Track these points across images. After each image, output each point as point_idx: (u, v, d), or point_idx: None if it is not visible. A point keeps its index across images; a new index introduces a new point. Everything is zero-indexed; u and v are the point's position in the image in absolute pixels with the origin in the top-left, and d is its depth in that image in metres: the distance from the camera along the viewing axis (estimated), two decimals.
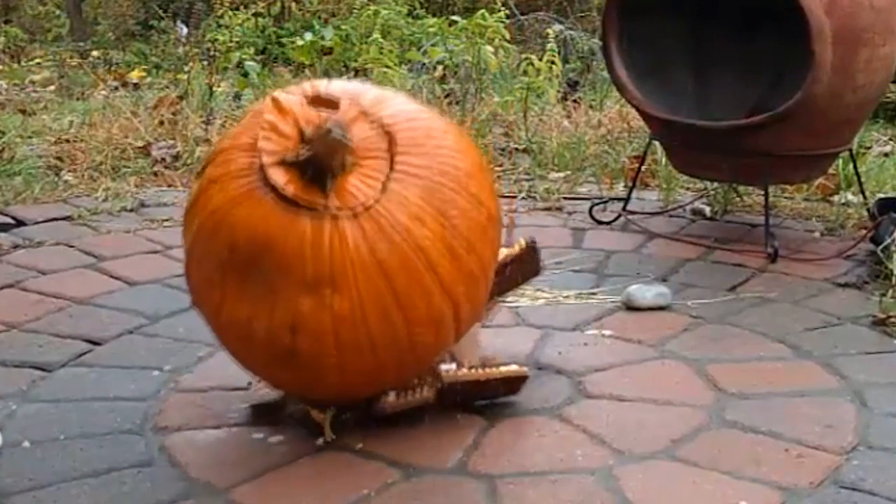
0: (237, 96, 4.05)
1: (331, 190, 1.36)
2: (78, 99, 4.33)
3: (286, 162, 1.36)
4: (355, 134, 1.39)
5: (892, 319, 1.97)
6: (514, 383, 1.62)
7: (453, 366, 1.56)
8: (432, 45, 4.66)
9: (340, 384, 1.42)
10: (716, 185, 2.83)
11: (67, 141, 3.34)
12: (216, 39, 4.92)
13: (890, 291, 2.10)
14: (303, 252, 1.34)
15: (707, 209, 2.79)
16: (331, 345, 1.36)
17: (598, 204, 2.74)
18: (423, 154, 1.42)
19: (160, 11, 6.91)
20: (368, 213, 1.36)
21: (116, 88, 4.52)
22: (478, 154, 1.52)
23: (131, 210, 2.74)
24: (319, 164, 1.36)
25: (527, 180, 3.13)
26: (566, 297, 2.11)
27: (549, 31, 4.42)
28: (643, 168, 2.79)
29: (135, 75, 4.92)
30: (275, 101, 1.42)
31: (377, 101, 1.45)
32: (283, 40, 5.84)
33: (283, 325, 1.35)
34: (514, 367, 1.63)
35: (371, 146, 1.40)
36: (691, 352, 1.84)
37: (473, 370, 1.57)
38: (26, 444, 1.49)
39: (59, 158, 3.19)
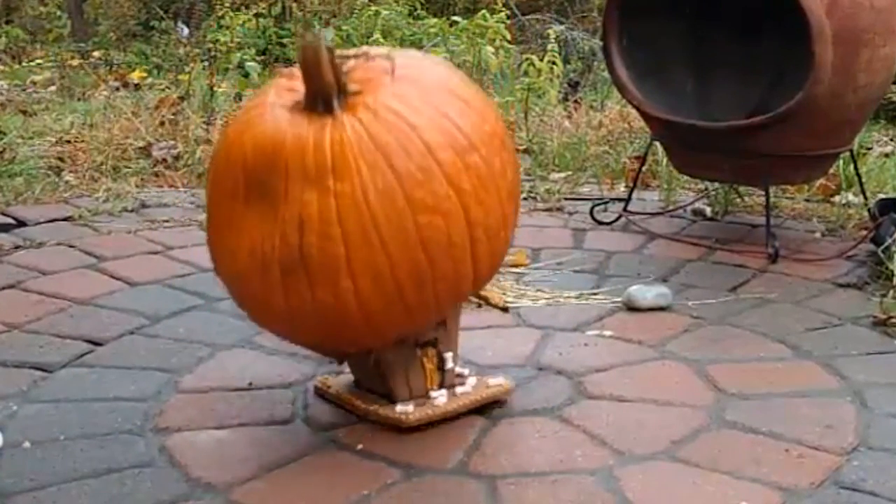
0: (238, 97, 4.05)
1: (339, 109, 1.39)
2: (79, 99, 4.33)
3: (294, 105, 1.42)
4: (360, 69, 1.43)
5: (893, 320, 1.97)
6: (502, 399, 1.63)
7: (444, 395, 1.58)
8: (433, 46, 4.67)
9: (357, 305, 1.38)
10: (716, 185, 2.83)
11: (68, 141, 3.34)
12: (217, 40, 4.93)
13: (890, 292, 2.10)
14: (304, 149, 1.36)
15: (708, 210, 2.79)
16: (338, 237, 1.35)
17: (598, 204, 2.74)
18: (423, 71, 1.47)
19: (161, 12, 6.91)
20: (366, 106, 1.39)
21: (117, 89, 4.52)
22: (488, 100, 1.54)
23: (132, 210, 2.74)
24: (313, 82, 1.39)
25: (527, 181, 3.13)
26: (567, 297, 2.11)
27: (550, 31, 4.42)
28: (644, 168, 2.79)
29: (136, 76, 4.92)
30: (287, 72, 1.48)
31: (383, 52, 1.50)
32: (284, 41, 5.84)
33: (291, 225, 1.36)
34: (500, 381, 1.64)
35: (372, 74, 1.44)
36: (692, 352, 1.84)
37: (463, 396, 1.59)
38: (27, 444, 1.49)
39: (60, 159, 3.19)
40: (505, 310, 1.65)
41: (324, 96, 1.40)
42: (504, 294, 2.11)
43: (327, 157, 1.36)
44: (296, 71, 1.45)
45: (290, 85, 1.45)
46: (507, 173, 1.48)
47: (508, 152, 1.51)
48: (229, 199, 1.43)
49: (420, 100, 1.42)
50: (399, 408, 1.54)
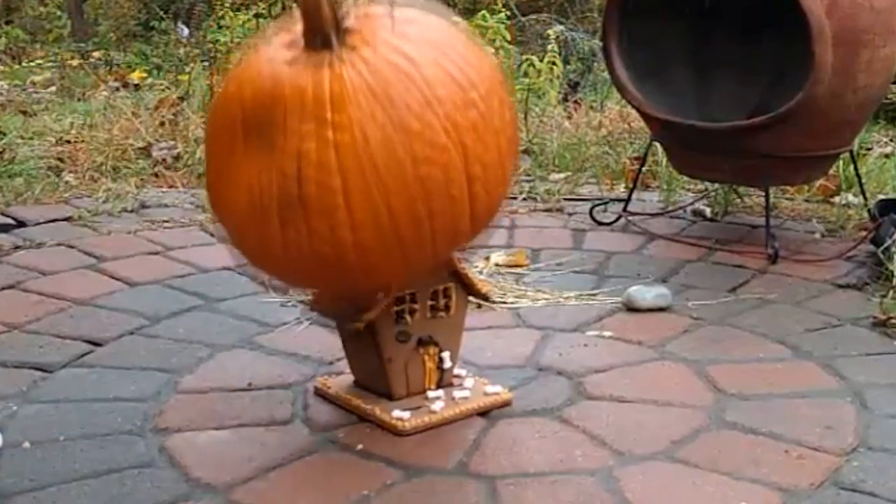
0: None
1: (337, 45, 1.38)
2: (79, 100, 4.33)
3: (291, 44, 1.42)
4: (359, 9, 1.43)
5: (893, 321, 1.97)
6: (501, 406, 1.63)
7: (441, 398, 1.58)
8: None
9: (353, 240, 1.38)
10: (716, 186, 2.83)
11: (68, 142, 3.35)
12: (217, 40, 4.91)
13: (890, 293, 2.10)
14: (302, 86, 1.36)
15: (707, 210, 2.79)
16: (335, 169, 1.35)
17: (598, 205, 2.74)
18: (421, 14, 1.47)
19: (161, 12, 6.91)
20: (364, 41, 1.38)
21: (117, 89, 4.52)
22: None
23: (132, 211, 2.74)
24: (311, 18, 1.38)
25: (527, 181, 3.13)
26: (567, 298, 2.11)
27: (550, 32, 4.42)
28: (644, 169, 2.79)
29: (136, 76, 4.92)
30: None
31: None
32: None
33: (289, 159, 1.35)
34: (498, 390, 1.64)
35: (371, 12, 1.44)
36: (691, 353, 1.84)
37: (461, 403, 1.59)
38: (27, 444, 1.49)
39: (60, 159, 3.19)
40: (487, 299, 1.65)
41: (322, 32, 1.39)
42: (504, 294, 2.11)
43: (325, 91, 1.35)
44: (292, 17, 1.44)
45: (286, 29, 1.44)
46: (506, 114, 1.48)
47: (506, 95, 1.50)
48: (228, 137, 1.42)
49: (418, 37, 1.42)
50: (396, 413, 1.54)
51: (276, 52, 1.42)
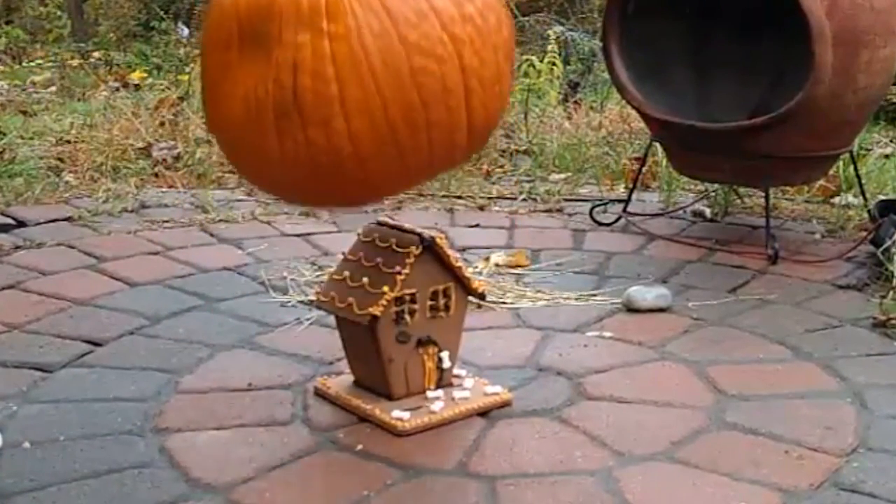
0: None
1: None
2: (79, 100, 4.33)
3: None
4: None
5: (893, 321, 1.97)
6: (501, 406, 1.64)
7: (441, 398, 1.58)
8: None
9: (351, 147, 1.37)
10: (716, 186, 2.83)
11: (68, 142, 3.35)
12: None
13: (890, 293, 2.10)
14: (299, 0, 1.35)
15: (707, 211, 2.79)
16: (331, 77, 1.34)
17: (598, 205, 2.74)
18: None
19: (161, 12, 6.91)
20: None
21: (117, 89, 4.52)
22: None
23: (132, 211, 2.74)
24: None
25: (527, 182, 3.13)
26: (567, 298, 2.11)
27: (550, 32, 4.42)
28: (644, 169, 2.79)
29: (136, 76, 4.92)
30: None
31: None
32: None
33: (285, 68, 1.35)
34: (498, 390, 1.64)
35: None
36: (691, 353, 1.84)
37: (460, 403, 1.59)
38: (27, 444, 1.49)
39: (60, 159, 3.19)
40: (482, 297, 1.65)
41: None
42: (503, 294, 2.11)
43: (321, 1, 1.35)
44: None
45: None
46: (503, 31, 1.47)
47: (504, 14, 1.48)
48: (223, 51, 1.41)
49: None
50: (396, 413, 1.54)
51: None
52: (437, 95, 1.38)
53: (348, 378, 1.66)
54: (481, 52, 1.42)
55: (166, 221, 2.64)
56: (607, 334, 1.93)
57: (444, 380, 1.63)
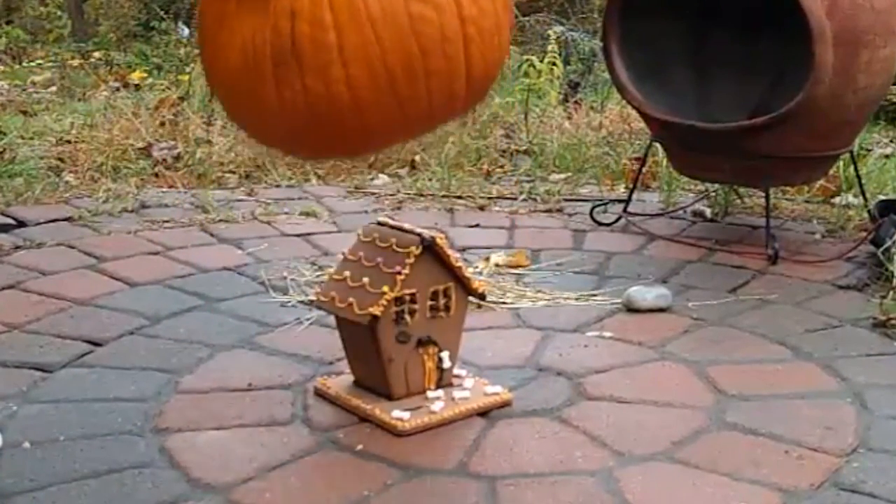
0: None
1: None
2: (79, 100, 4.33)
3: None
4: None
5: (893, 321, 1.97)
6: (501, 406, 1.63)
7: (441, 398, 1.58)
8: None
9: (350, 96, 1.36)
10: (716, 186, 2.83)
11: (68, 142, 3.35)
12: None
13: (890, 293, 2.10)
14: None
15: (708, 211, 2.79)
16: (329, 24, 1.34)
17: (598, 205, 2.74)
18: None
19: (161, 12, 6.91)
20: None
21: (117, 89, 4.52)
22: None
23: (132, 211, 2.74)
24: None
25: (528, 182, 3.13)
26: (567, 298, 2.11)
27: (551, 32, 4.42)
28: (644, 170, 2.79)
29: (136, 76, 4.92)
30: None
31: None
32: None
33: (282, 16, 1.34)
34: (498, 390, 1.64)
35: None
36: (692, 353, 1.84)
37: (460, 403, 1.59)
38: (27, 444, 1.49)
39: (61, 159, 3.19)
40: (482, 297, 1.65)
41: None
42: (504, 294, 2.11)
43: None
44: None
45: None
46: None
47: None
48: (221, 3, 1.41)
49: None
50: (396, 413, 1.54)
51: None
52: (435, 44, 1.37)
53: (348, 378, 1.66)
54: (480, 1, 1.41)
55: (166, 221, 2.64)
56: (607, 334, 1.93)
57: (444, 380, 1.63)
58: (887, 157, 3.38)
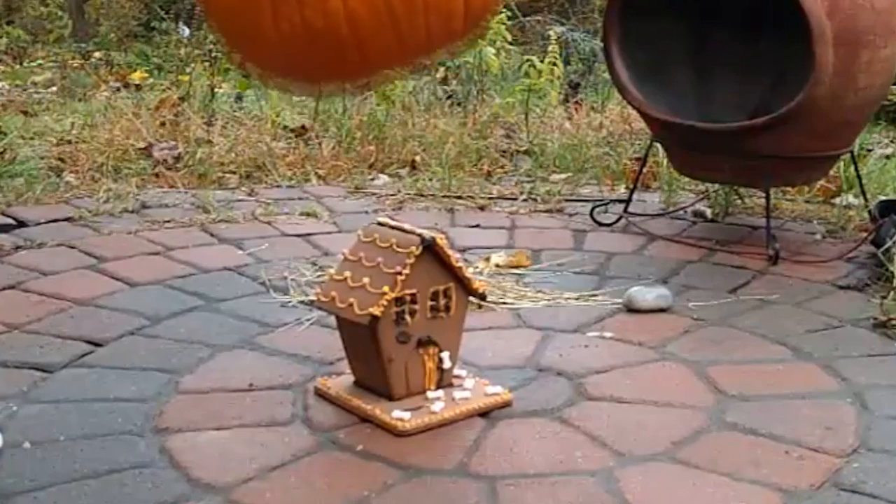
0: (239, 97, 4.05)
1: None
2: (80, 100, 4.34)
3: None
4: None
5: (894, 322, 1.97)
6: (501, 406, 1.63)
7: (441, 398, 1.58)
8: None
9: (348, 27, 1.35)
10: (717, 186, 2.83)
11: (69, 142, 3.35)
12: (218, 41, 4.90)
13: (891, 294, 2.10)
14: None
15: (708, 211, 2.79)
16: None
17: (599, 206, 2.74)
18: None
19: (162, 13, 6.91)
20: None
21: (118, 89, 4.53)
22: None
23: (132, 211, 2.74)
24: None
25: (528, 182, 3.13)
26: (567, 298, 2.11)
27: (551, 32, 4.42)
28: (644, 170, 2.79)
29: (136, 76, 4.92)
30: None
31: None
32: None
33: None
34: (499, 390, 1.64)
35: None
36: (692, 354, 1.84)
37: (461, 403, 1.59)
38: (27, 444, 1.49)
39: (61, 159, 3.19)
40: (483, 297, 1.65)
41: None
42: (504, 294, 2.11)
43: None
44: None
45: None
46: None
47: None
48: None
49: None
50: (396, 413, 1.54)
51: None
52: None
53: (349, 378, 1.66)
54: None
55: (167, 221, 2.64)
56: (608, 334, 1.93)
57: (444, 380, 1.63)
58: (888, 157, 3.38)
